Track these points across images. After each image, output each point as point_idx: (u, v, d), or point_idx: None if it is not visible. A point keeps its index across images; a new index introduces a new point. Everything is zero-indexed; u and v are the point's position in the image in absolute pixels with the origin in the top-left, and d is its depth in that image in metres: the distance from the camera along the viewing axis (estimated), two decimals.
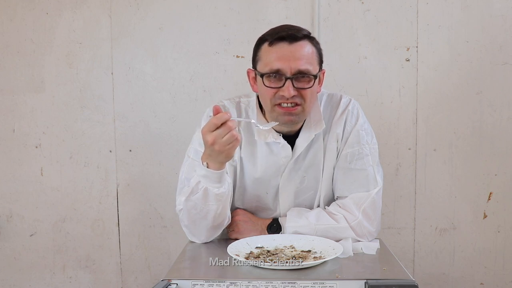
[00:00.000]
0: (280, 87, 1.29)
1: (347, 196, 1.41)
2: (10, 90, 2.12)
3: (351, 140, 1.42)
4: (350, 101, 1.46)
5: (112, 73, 2.10)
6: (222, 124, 1.16)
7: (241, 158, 1.42)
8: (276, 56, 1.28)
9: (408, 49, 2.05)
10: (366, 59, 2.05)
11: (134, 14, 2.07)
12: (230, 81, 2.07)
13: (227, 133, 1.16)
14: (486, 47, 2.02)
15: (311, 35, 1.35)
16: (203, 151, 1.38)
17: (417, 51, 2.04)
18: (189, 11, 2.07)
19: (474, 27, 2.02)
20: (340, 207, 1.39)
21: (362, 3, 2.03)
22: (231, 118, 1.17)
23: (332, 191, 1.47)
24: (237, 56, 2.06)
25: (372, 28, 2.04)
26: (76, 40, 2.09)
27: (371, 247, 1.29)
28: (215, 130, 1.17)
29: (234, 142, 1.19)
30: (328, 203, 1.46)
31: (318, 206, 1.46)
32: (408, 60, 2.05)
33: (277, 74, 1.28)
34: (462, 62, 2.04)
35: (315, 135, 1.40)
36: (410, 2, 2.02)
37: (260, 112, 1.42)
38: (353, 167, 1.42)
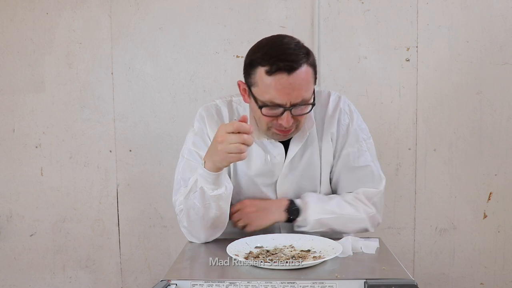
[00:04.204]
0: (278, 116, 1.28)
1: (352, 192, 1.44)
2: (10, 90, 2.12)
3: (350, 139, 1.43)
4: (340, 99, 1.45)
5: (112, 73, 2.11)
6: (239, 132, 1.17)
7: None
8: (275, 88, 1.24)
9: (408, 49, 2.05)
10: (366, 59, 2.05)
11: (134, 14, 2.08)
12: (230, 81, 2.07)
13: (237, 142, 1.17)
14: (486, 47, 2.02)
15: (307, 49, 1.30)
16: (197, 151, 1.39)
17: (417, 51, 2.04)
18: (189, 11, 2.07)
19: (474, 27, 2.02)
20: (356, 198, 1.42)
21: (362, 3, 2.03)
22: (252, 133, 1.18)
23: (332, 190, 1.48)
24: (237, 56, 2.06)
25: (372, 28, 2.04)
26: (76, 40, 2.10)
27: (370, 247, 1.28)
28: (231, 133, 1.17)
29: (237, 155, 1.18)
30: None
31: None
32: (408, 60, 2.05)
33: (275, 105, 1.27)
34: (462, 62, 2.04)
35: (308, 133, 1.40)
36: (410, 2, 2.02)
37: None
38: (356, 165, 1.43)
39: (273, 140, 1.39)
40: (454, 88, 2.05)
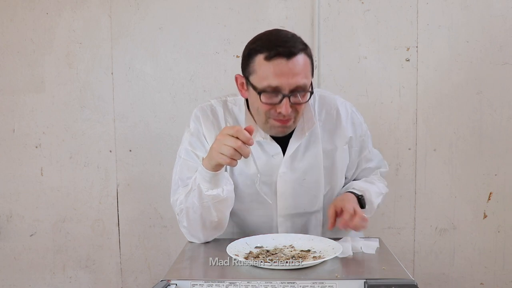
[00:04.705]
0: (277, 103, 1.28)
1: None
2: (10, 90, 2.13)
3: (366, 138, 1.52)
4: (347, 104, 1.50)
5: (112, 73, 2.11)
6: (237, 137, 1.16)
7: None
8: (274, 73, 1.25)
9: (408, 49, 2.05)
10: (366, 59, 2.05)
11: (134, 14, 2.08)
12: (230, 81, 2.04)
13: (230, 146, 1.16)
14: (486, 47, 2.02)
15: (304, 42, 1.33)
16: (193, 150, 1.40)
17: (417, 51, 2.04)
18: (189, 11, 2.07)
19: (474, 27, 2.02)
20: (378, 177, 1.57)
21: (362, 3, 2.03)
22: (251, 145, 1.18)
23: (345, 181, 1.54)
24: (237, 56, 2.06)
25: (372, 28, 2.04)
26: (76, 40, 2.10)
27: (370, 247, 1.28)
28: (231, 136, 1.17)
29: (227, 158, 1.18)
30: (329, 203, 1.47)
31: (321, 207, 1.47)
32: (408, 60, 2.05)
33: (274, 91, 1.27)
34: (462, 62, 2.04)
35: (308, 133, 1.40)
36: (410, 2, 2.02)
37: (249, 112, 1.42)
38: (372, 157, 1.57)
39: (271, 136, 1.38)
40: (454, 88, 2.05)
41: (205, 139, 1.41)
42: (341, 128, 1.45)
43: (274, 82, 1.25)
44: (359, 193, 1.41)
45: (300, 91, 1.28)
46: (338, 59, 2.05)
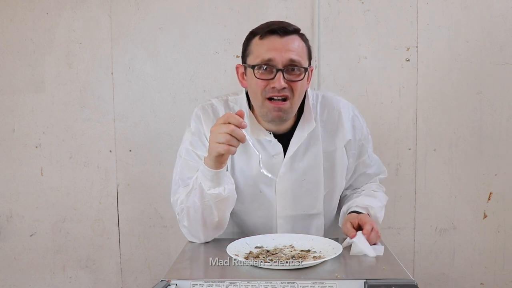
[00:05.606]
0: (271, 79, 1.29)
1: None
2: (10, 90, 2.12)
3: (365, 146, 1.51)
4: (350, 106, 1.50)
5: (112, 73, 2.11)
6: (229, 123, 1.16)
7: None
8: (267, 48, 1.30)
9: (408, 49, 2.05)
10: (366, 59, 2.05)
11: (134, 14, 2.08)
12: (230, 81, 2.07)
13: (225, 132, 1.16)
14: (486, 47, 2.02)
15: (301, 31, 1.37)
16: (194, 150, 1.40)
17: (417, 51, 2.04)
18: (189, 11, 2.07)
19: (474, 27, 2.02)
20: (377, 185, 1.56)
21: (362, 3, 2.03)
22: (244, 128, 1.17)
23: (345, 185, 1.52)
24: (237, 56, 2.06)
25: (372, 28, 2.04)
26: (76, 40, 2.10)
27: (377, 250, 1.25)
28: (223, 123, 1.17)
29: (224, 145, 1.17)
30: (330, 207, 1.49)
31: (321, 211, 1.47)
32: (408, 60, 2.05)
33: (268, 65, 1.29)
34: (462, 62, 2.04)
35: (307, 134, 1.40)
36: (410, 2, 2.02)
37: (249, 109, 1.42)
38: (373, 163, 1.56)
39: (274, 136, 1.38)
40: (454, 88, 2.05)
41: (206, 138, 1.41)
42: (343, 129, 1.45)
43: (267, 55, 1.29)
44: (364, 212, 1.39)
45: (294, 68, 1.30)
46: (338, 59, 2.05)
